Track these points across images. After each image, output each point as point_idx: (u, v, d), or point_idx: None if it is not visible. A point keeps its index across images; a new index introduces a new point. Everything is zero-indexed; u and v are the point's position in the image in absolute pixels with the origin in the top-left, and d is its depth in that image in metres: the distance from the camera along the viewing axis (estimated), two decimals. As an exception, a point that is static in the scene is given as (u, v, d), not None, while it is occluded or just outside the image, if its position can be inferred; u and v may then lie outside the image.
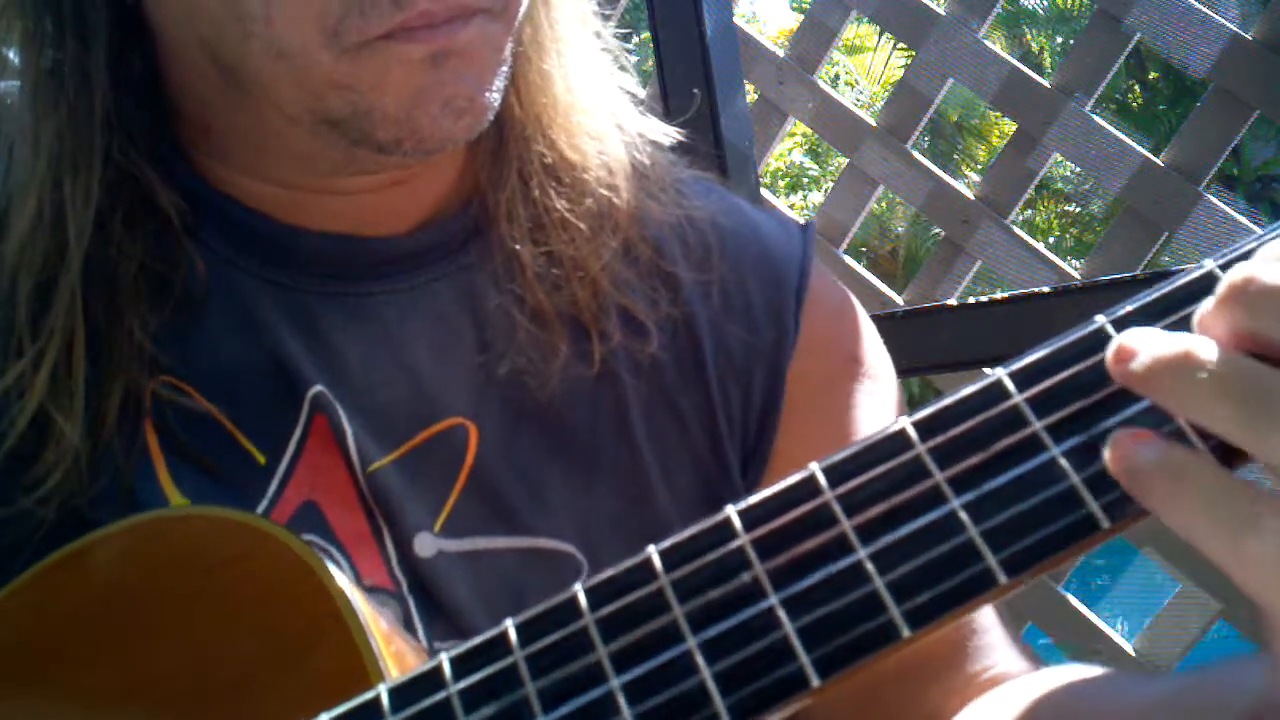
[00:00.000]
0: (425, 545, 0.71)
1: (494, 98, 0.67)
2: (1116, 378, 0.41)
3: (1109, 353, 0.41)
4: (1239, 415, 0.38)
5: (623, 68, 0.84)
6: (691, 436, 0.78)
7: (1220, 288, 0.40)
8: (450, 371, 0.74)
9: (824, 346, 0.82)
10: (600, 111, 0.80)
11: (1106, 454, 0.40)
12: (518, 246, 0.76)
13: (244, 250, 0.73)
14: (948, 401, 0.42)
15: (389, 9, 0.61)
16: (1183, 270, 0.41)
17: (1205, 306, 0.40)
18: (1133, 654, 1.96)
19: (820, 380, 0.81)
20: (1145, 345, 0.40)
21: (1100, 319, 0.40)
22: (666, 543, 0.44)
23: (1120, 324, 0.40)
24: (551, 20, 0.76)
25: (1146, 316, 0.40)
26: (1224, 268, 0.39)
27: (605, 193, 0.78)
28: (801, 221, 0.88)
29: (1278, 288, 0.39)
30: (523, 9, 0.68)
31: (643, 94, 0.85)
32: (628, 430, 0.76)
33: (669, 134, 0.84)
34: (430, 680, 0.45)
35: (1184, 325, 0.40)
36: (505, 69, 0.69)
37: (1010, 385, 0.41)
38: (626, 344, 0.77)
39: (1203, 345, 0.39)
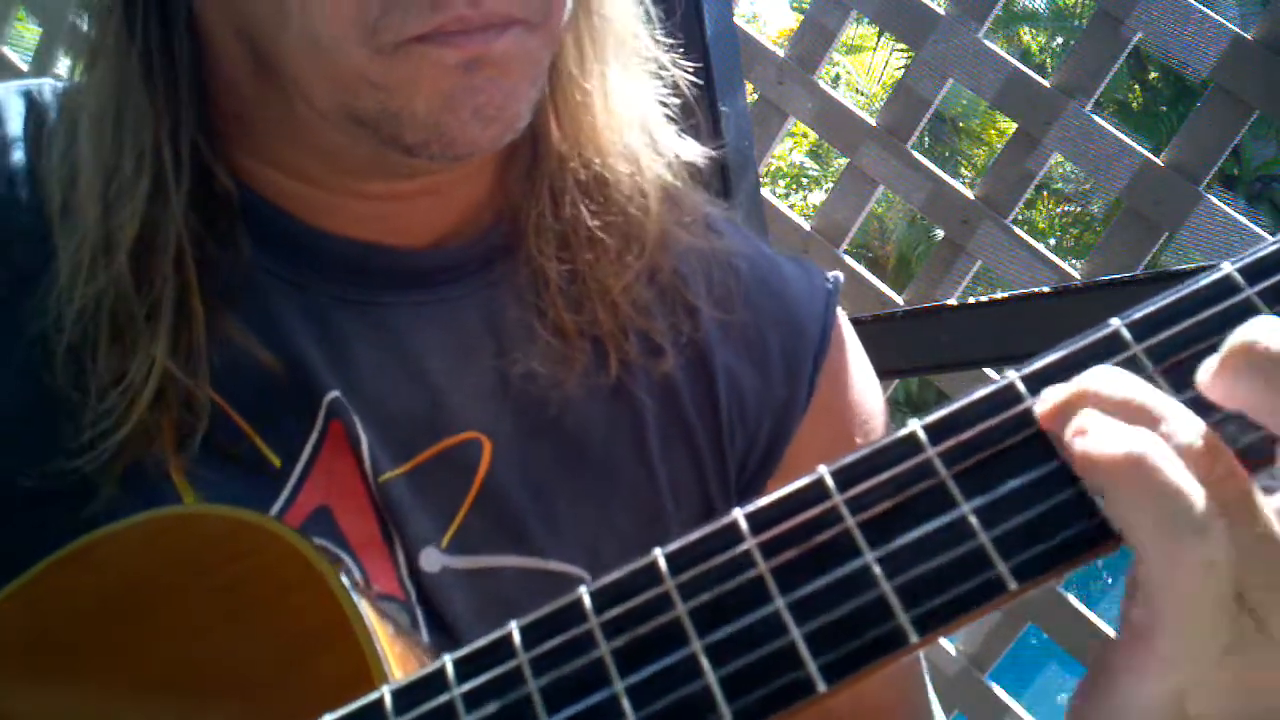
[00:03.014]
0: (431, 560, 0.70)
1: (525, 109, 0.67)
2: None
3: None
4: None
5: (675, 85, 0.83)
6: (703, 464, 0.78)
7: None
8: (467, 384, 0.74)
9: (834, 422, 0.82)
10: (637, 132, 0.79)
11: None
12: (544, 262, 0.76)
13: (265, 249, 0.73)
14: (959, 405, 0.41)
15: (426, 11, 0.61)
16: (1199, 271, 0.40)
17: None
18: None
19: (822, 452, 0.80)
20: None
21: (1115, 322, 0.40)
22: (673, 545, 0.43)
23: (1135, 327, 0.40)
24: (596, 40, 0.76)
25: (1161, 321, 0.40)
26: (1241, 272, 0.38)
27: (635, 212, 0.78)
28: (829, 276, 0.87)
29: None
30: (563, 23, 0.68)
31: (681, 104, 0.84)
32: (645, 449, 0.76)
33: (704, 155, 0.83)
34: (434, 682, 0.45)
35: (1197, 333, 0.39)
36: (540, 82, 0.69)
37: (1022, 388, 0.41)
38: (644, 364, 0.77)
39: None
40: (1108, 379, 0.39)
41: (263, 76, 0.68)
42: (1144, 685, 0.41)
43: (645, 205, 0.78)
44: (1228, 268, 0.38)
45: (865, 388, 0.85)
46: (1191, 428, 0.39)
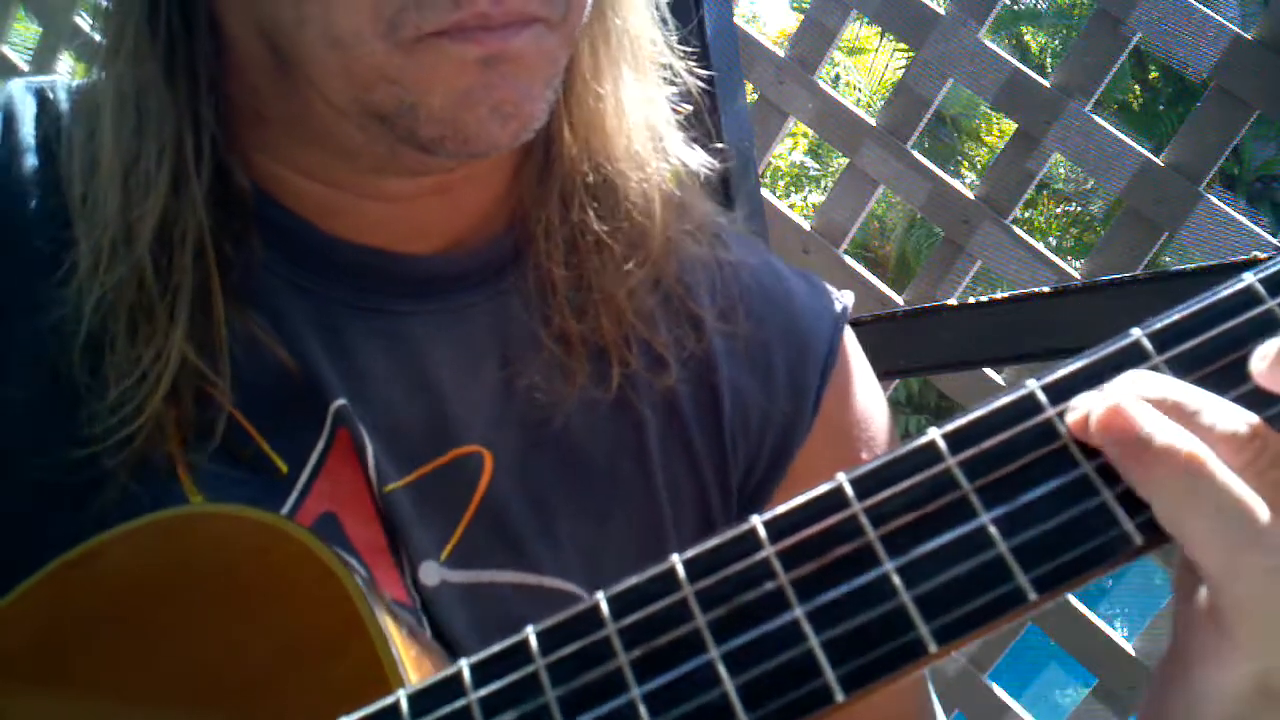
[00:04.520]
0: (430, 573, 0.70)
1: (542, 108, 0.66)
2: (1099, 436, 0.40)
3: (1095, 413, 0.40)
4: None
5: (687, 92, 0.82)
6: (703, 478, 0.77)
7: None
8: (472, 396, 0.74)
9: (839, 438, 0.81)
10: (646, 138, 0.79)
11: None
12: (552, 267, 0.76)
13: (278, 253, 0.73)
14: (979, 413, 0.41)
15: (447, 6, 0.60)
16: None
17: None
18: (1133, 654, 1.96)
19: (827, 470, 0.80)
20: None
21: (1136, 332, 0.40)
22: (690, 552, 0.43)
23: (1156, 337, 0.40)
24: (611, 44, 0.76)
25: (1184, 331, 0.40)
26: (1264, 283, 0.38)
27: (641, 218, 0.77)
28: (838, 294, 0.86)
29: None
30: (582, 23, 0.68)
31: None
32: (646, 462, 0.76)
33: (710, 165, 0.83)
34: (450, 687, 0.45)
35: (1220, 343, 0.39)
36: (557, 82, 0.68)
37: (1043, 398, 0.41)
38: (647, 377, 0.76)
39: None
40: (1143, 381, 0.40)
41: (281, 74, 0.67)
42: (1224, 673, 0.42)
43: (651, 211, 0.78)
44: (1250, 279, 0.38)
45: (872, 408, 0.84)
46: (1236, 416, 0.39)
